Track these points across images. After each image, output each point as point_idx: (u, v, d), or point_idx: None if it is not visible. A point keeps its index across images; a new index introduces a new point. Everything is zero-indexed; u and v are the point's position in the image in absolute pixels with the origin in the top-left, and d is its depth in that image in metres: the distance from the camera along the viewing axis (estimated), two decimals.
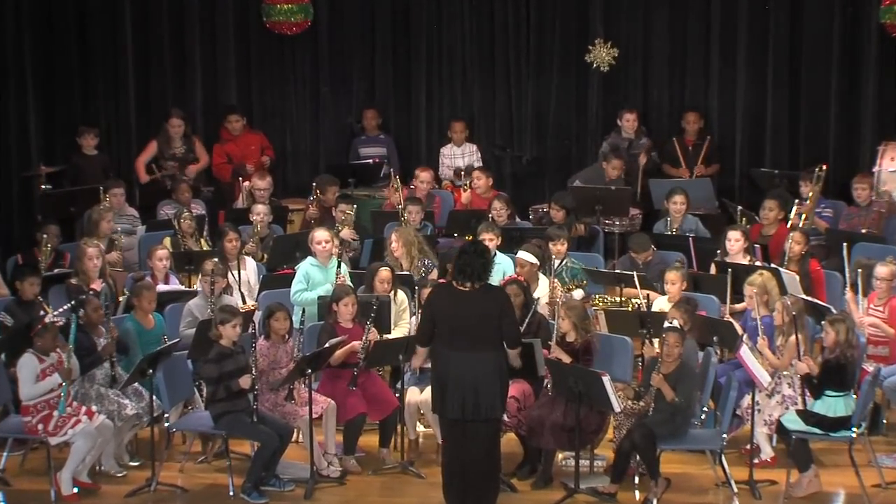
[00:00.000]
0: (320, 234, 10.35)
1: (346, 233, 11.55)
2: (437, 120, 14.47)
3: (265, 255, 11.37)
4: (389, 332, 9.55)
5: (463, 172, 13.06)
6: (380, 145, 14.05)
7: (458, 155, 13.80)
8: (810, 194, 11.83)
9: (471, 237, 10.63)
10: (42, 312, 9.27)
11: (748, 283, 9.45)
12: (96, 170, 13.12)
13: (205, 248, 11.37)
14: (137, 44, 14.34)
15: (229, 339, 8.70)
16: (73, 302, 9.06)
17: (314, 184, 12.44)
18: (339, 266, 10.20)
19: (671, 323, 8.68)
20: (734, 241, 10.67)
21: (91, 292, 9.62)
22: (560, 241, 10.59)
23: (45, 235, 10.93)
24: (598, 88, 14.08)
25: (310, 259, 10.33)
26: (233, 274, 10.51)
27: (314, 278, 10.20)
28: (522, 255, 10.17)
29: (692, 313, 9.19)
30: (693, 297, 9.85)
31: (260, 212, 11.80)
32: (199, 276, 10.06)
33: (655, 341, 8.83)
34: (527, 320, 9.06)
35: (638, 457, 8.52)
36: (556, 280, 10.26)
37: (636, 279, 9.95)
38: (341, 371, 9.04)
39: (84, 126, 13.42)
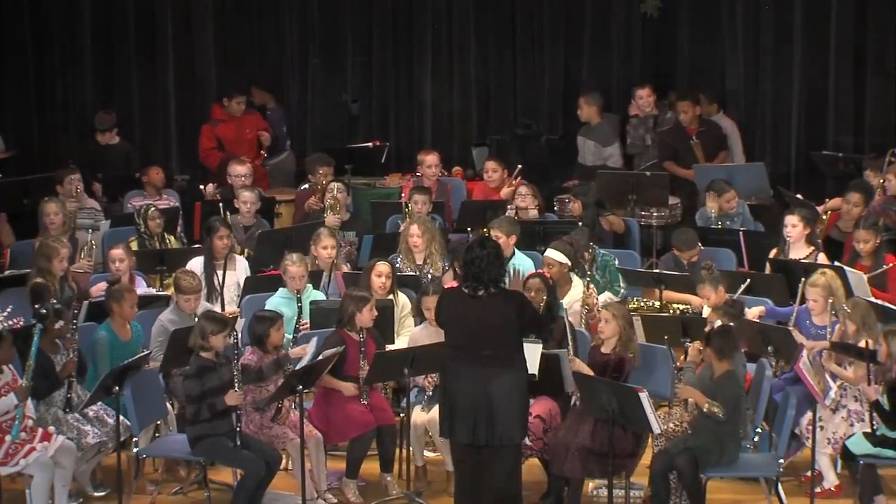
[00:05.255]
0: (294, 266, 10.21)
1: (331, 219, 11.46)
2: (447, 95, 14.51)
3: (248, 250, 11.38)
4: (393, 342, 9.60)
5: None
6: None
7: None
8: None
9: (486, 231, 10.68)
10: None
11: (810, 285, 9.40)
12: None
13: (175, 246, 11.40)
14: (98, 8, 14.40)
15: (216, 349, 8.72)
16: (41, 308, 8.79)
17: (320, 171, 12.36)
18: (298, 311, 9.91)
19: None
20: (790, 226, 10.64)
21: (54, 302, 9.57)
22: (587, 250, 10.63)
23: None
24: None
25: (280, 291, 10.15)
26: (217, 275, 10.57)
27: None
28: (551, 253, 10.12)
29: (736, 318, 9.19)
30: (741, 300, 9.85)
31: (247, 199, 11.73)
32: (173, 287, 9.94)
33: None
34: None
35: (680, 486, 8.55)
36: (591, 285, 10.28)
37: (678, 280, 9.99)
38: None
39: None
